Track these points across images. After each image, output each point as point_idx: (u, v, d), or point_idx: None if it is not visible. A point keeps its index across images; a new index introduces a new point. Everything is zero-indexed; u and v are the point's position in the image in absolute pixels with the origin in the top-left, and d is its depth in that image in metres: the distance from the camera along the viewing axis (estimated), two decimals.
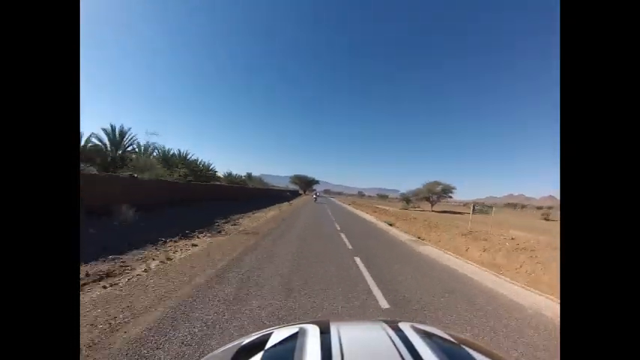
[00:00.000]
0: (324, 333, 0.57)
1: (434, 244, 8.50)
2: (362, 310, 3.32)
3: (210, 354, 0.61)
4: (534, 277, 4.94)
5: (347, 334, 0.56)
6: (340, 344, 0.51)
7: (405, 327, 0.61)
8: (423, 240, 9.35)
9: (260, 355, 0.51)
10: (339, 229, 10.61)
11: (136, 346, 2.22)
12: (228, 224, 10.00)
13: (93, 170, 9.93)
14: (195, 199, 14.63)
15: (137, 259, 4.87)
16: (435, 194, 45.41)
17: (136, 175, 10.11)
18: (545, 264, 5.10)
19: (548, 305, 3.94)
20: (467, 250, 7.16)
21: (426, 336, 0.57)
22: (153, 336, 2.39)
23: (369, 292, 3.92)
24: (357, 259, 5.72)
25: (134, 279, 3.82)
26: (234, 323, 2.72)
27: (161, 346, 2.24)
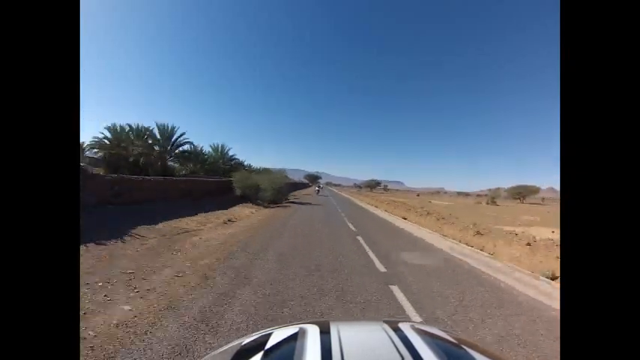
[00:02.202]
0: (324, 333, 0.57)
1: (362, 203, 26.52)
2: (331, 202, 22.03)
3: (210, 354, 0.61)
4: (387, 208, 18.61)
5: (347, 335, 0.56)
6: (340, 344, 0.51)
7: (405, 327, 0.61)
8: (352, 198, 35.92)
9: (260, 355, 0.51)
10: (329, 195, 37.90)
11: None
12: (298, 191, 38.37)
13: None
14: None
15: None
16: (374, 185, 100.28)
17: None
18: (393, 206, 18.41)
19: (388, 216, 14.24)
20: (374, 204, 23.47)
21: (426, 336, 0.57)
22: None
23: (335, 204, 19.98)
24: (334, 202, 23.86)
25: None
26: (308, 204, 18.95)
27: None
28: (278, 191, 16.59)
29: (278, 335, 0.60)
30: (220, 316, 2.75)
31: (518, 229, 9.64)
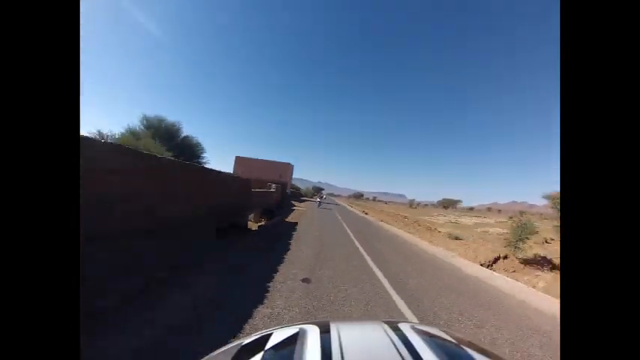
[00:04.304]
0: (324, 333, 0.57)
1: (341, 203, 52.70)
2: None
3: (210, 354, 0.61)
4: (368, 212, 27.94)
5: (347, 335, 0.56)
6: (340, 345, 0.51)
7: (405, 327, 0.61)
8: (338, 201, 61.61)
9: (260, 355, 0.51)
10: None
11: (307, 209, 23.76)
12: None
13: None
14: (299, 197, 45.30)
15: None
16: (359, 196, 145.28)
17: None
18: (374, 211, 29.53)
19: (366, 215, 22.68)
20: (346, 204, 46.93)
21: (426, 336, 0.57)
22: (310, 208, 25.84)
23: (327, 202, 37.57)
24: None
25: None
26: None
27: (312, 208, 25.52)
28: (312, 194, 60.77)
29: (278, 336, 0.60)
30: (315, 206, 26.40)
31: (385, 209, 38.57)
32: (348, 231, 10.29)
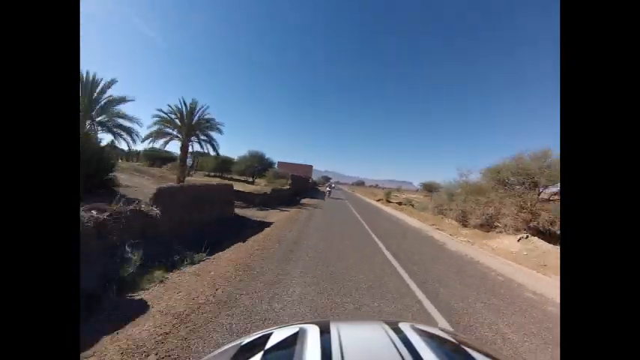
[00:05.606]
0: (324, 333, 0.57)
1: (344, 188, 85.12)
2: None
3: (211, 354, 0.61)
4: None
5: (347, 334, 0.56)
6: (340, 344, 0.51)
7: (405, 327, 0.61)
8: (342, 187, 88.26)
9: (260, 355, 0.51)
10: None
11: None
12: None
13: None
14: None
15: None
16: (360, 184, 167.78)
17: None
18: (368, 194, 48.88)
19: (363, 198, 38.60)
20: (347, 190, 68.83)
21: (426, 336, 0.57)
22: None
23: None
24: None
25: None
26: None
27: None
28: (322, 183, 67.50)
29: (278, 335, 0.59)
30: None
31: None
32: (340, 194, 32.18)
